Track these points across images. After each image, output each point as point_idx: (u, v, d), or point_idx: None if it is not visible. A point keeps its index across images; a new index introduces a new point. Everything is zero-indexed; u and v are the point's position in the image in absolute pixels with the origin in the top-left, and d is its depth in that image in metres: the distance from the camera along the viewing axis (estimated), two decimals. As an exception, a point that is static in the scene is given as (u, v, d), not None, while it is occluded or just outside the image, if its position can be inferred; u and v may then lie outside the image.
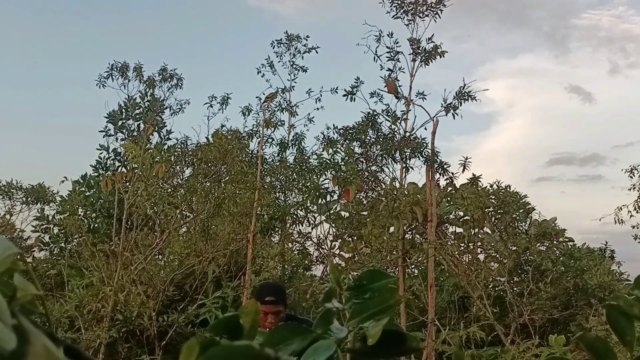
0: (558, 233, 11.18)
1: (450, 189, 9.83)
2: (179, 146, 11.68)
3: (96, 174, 12.98)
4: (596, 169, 23.98)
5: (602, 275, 10.48)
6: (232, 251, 9.36)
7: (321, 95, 13.51)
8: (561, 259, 10.79)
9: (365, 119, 8.93)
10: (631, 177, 11.88)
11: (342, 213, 10.39)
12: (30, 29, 20.86)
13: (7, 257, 0.38)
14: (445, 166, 8.80)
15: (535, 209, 11.13)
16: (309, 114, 13.83)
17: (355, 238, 9.97)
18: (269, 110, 12.67)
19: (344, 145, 9.13)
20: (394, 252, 9.22)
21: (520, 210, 10.91)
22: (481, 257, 10.72)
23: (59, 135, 20.66)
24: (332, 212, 10.25)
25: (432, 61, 9.27)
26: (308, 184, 9.82)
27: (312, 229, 10.36)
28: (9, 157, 18.67)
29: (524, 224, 11.05)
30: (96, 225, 12.31)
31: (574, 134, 21.90)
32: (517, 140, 21.28)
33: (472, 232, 10.60)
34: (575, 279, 10.20)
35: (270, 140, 13.10)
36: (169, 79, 12.89)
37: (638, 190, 11.66)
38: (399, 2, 9.40)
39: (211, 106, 12.84)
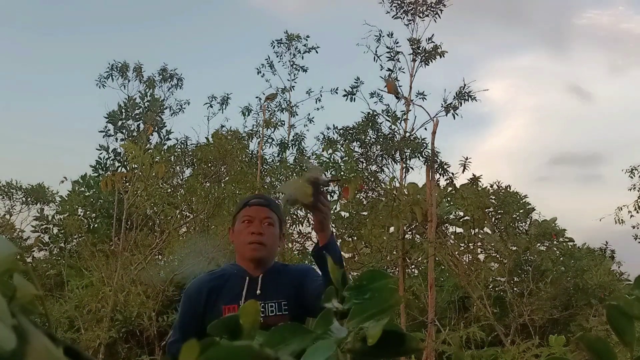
0: (558, 233, 11.18)
1: (450, 189, 9.83)
2: (178, 146, 11.69)
3: (96, 174, 12.98)
4: (596, 169, 23.96)
5: (602, 275, 10.49)
6: (232, 251, 9.36)
7: (321, 95, 13.55)
8: (561, 259, 10.79)
9: (365, 119, 8.93)
10: (631, 177, 11.91)
11: (342, 213, 10.39)
12: (30, 28, 20.86)
13: (7, 257, 0.38)
14: (445, 166, 8.80)
15: (535, 209, 11.14)
16: (309, 114, 13.86)
17: (355, 238, 9.97)
18: (269, 111, 12.68)
19: (344, 146, 9.13)
20: (394, 252, 9.22)
21: (521, 211, 10.91)
22: (481, 257, 10.72)
23: (58, 135, 20.67)
24: (331, 212, 10.25)
25: (432, 61, 9.28)
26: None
27: (312, 229, 10.36)
28: (9, 157, 18.68)
29: (524, 224, 11.05)
30: (96, 225, 12.31)
31: (574, 133, 21.90)
32: (517, 140, 21.29)
33: (472, 232, 10.60)
34: (575, 279, 10.20)
35: (270, 140, 13.12)
36: (169, 79, 12.91)
37: (638, 190, 11.68)
38: (399, 2, 9.41)
39: (211, 106, 12.88)
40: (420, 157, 8.68)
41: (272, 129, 12.48)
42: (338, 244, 2.27)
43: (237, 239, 2.16)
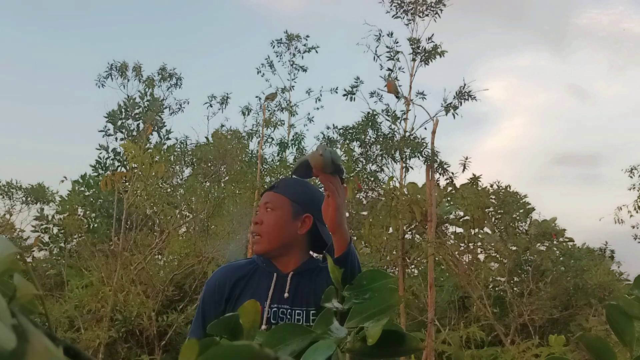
0: (558, 233, 11.17)
1: (450, 188, 9.83)
2: (178, 146, 11.69)
3: (96, 174, 12.98)
4: (596, 169, 23.96)
5: (602, 275, 10.48)
6: (231, 251, 9.37)
7: (321, 94, 13.58)
8: (561, 259, 10.79)
9: (365, 118, 8.93)
10: (631, 177, 11.91)
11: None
12: (30, 28, 20.86)
13: (7, 256, 0.38)
14: (445, 166, 8.80)
15: (535, 209, 11.13)
16: (308, 113, 13.89)
17: (354, 238, 9.97)
18: (269, 110, 12.68)
19: (342, 146, 9.13)
20: (394, 252, 9.22)
21: (521, 211, 10.91)
22: (481, 257, 10.72)
23: (58, 135, 20.68)
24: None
25: (432, 61, 9.27)
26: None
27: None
28: (9, 157, 18.68)
29: (524, 224, 11.04)
30: (96, 225, 12.31)
31: (574, 133, 21.90)
32: (517, 140, 21.30)
33: (472, 232, 10.60)
34: (575, 279, 10.21)
35: (270, 140, 13.13)
36: (168, 79, 12.91)
37: (638, 190, 11.69)
38: (399, 2, 9.41)
39: (211, 106, 12.89)
40: (420, 157, 8.68)
41: (272, 129, 12.49)
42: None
43: None
